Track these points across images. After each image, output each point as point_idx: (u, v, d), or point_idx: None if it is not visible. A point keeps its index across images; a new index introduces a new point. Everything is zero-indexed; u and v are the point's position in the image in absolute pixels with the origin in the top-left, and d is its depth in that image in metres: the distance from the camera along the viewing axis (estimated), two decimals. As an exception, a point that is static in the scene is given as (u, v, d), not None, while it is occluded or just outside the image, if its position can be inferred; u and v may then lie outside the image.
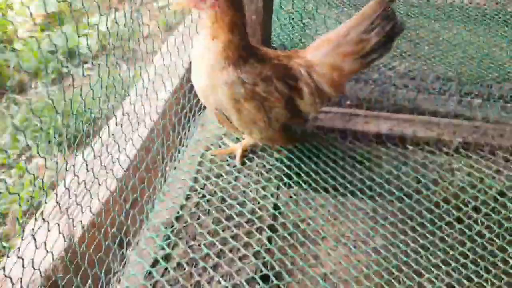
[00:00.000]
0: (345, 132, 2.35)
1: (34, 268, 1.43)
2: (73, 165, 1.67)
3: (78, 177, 1.68)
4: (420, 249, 1.77)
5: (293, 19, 3.24)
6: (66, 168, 1.61)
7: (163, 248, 1.68)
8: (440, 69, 2.89)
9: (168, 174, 2.03)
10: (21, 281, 1.38)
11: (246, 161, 2.10)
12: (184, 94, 2.32)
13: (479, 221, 1.91)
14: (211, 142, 2.21)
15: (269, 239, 1.76)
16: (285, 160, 2.11)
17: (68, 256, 1.61)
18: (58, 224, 1.54)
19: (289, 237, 1.77)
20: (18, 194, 3.02)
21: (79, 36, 1.62)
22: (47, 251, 1.50)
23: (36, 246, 1.40)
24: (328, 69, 1.90)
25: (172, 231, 1.74)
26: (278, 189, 1.99)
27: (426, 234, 1.83)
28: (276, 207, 1.90)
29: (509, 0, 3.66)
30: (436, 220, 1.90)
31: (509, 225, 1.87)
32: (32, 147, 3.78)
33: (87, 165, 1.69)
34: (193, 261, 1.65)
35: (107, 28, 1.65)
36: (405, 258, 1.72)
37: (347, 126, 2.37)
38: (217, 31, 1.73)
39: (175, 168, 2.07)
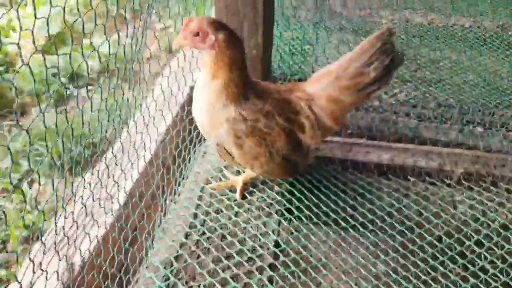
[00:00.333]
0: (346, 162, 2.35)
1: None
2: (72, 198, 1.66)
3: (73, 214, 1.67)
4: (422, 286, 1.75)
5: (293, 45, 3.25)
6: (63, 206, 1.60)
7: (162, 289, 1.66)
8: (441, 95, 2.88)
9: (168, 209, 2.02)
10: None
11: (247, 195, 2.09)
12: (185, 127, 2.32)
13: (482, 256, 1.89)
14: (211, 174, 2.20)
15: (270, 279, 1.74)
16: (286, 194, 2.10)
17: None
18: (57, 272, 1.52)
19: (290, 276, 1.75)
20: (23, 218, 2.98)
21: (80, 52, 1.60)
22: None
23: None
24: (328, 102, 1.90)
25: (171, 271, 1.73)
26: (279, 224, 1.97)
27: (428, 269, 1.81)
28: (277, 244, 1.88)
29: (510, 24, 3.66)
30: (438, 255, 1.88)
31: (513, 260, 1.85)
32: (34, 171, 3.77)
33: (84, 206, 1.68)
34: (193, 302, 1.64)
35: (109, 50, 1.65)
36: (407, 295, 1.70)
37: (347, 156, 2.37)
38: (218, 71, 1.75)
39: (175, 202, 2.06)
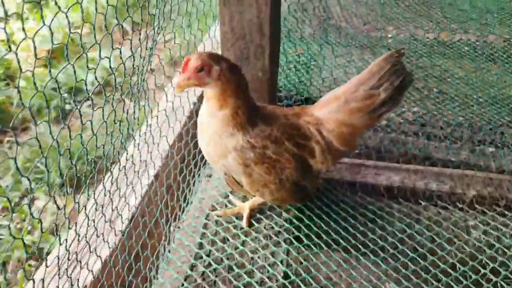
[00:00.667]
0: (355, 185, 2.28)
1: None
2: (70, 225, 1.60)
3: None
4: (437, 318, 1.68)
5: (298, 62, 3.20)
6: (69, 227, 1.54)
7: (167, 326, 1.60)
8: (450, 114, 2.82)
9: (172, 238, 1.96)
10: None
11: (254, 222, 2.02)
12: (189, 151, 2.26)
13: (498, 285, 1.82)
14: (217, 200, 2.14)
15: (279, 315, 1.68)
16: (294, 221, 2.04)
17: None
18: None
19: (300, 311, 1.69)
20: (23, 240, 2.92)
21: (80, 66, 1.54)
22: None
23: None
24: (338, 126, 1.85)
25: (177, 307, 1.66)
26: (287, 254, 1.90)
27: (443, 300, 1.75)
28: (286, 275, 1.81)
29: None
30: (453, 284, 1.81)
31: (531, 291, 1.79)
32: (34, 189, 3.73)
33: (78, 236, 1.61)
34: None
35: (110, 65, 1.59)
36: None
37: (356, 178, 2.31)
38: (225, 101, 1.70)
39: (179, 230, 1.99)
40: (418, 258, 1.91)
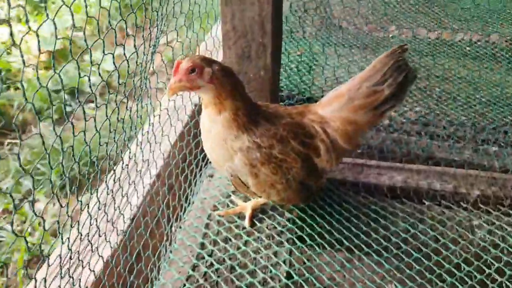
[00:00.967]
0: (357, 185, 2.27)
1: None
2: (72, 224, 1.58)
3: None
4: (442, 318, 1.66)
5: (300, 62, 3.18)
6: (71, 225, 1.52)
7: (169, 326, 1.58)
8: (452, 113, 2.80)
9: (173, 238, 1.94)
10: None
11: (256, 222, 2.00)
12: (191, 150, 2.25)
13: (503, 285, 1.80)
14: (218, 200, 2.12)
15: (283, 315, 1.65)
16: (297, 220, 2.02)
17: None
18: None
19: (303, 311, 1.67)
20: (25, 239, 2.91)
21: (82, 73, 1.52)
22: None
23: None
24: (342, 124, 1.84)
25: (178, 307, 1.64)
26: (290, 254, 1.88)
27: (448, 300, 1.73)
28: (289, 275, 1.79)
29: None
30: (457, 284, 1.79)
31: (537, 291, 1.76)
32: (35, 191, 3.70)
33: (81, 235, 1.60)
34: None
35: (116, 66, 1.58)
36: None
37: (359, 178, 2.29)
38: (222, 104, 1.68)
39: (181, 231, 1.97)
40: (422, 258, 1.89)
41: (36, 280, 1.29)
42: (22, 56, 1.03)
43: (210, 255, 1.85)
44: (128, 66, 1.61)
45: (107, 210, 1.79)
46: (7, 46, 5.30)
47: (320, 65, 3.18)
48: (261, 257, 1.85)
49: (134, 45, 1.59)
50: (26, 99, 1.07)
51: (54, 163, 1.41)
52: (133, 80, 1.86)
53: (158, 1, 1.92)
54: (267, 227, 1.98)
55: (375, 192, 2.25)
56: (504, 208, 2.16)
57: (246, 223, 1.98)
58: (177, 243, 1.91)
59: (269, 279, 1.76)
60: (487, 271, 1.84)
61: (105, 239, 1.74)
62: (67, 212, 1.40)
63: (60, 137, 1.31)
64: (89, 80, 1.45)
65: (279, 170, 1.79)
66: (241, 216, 2.03)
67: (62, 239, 1.45)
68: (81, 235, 1.58)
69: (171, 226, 2.00)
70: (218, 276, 1.76)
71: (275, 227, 1.99)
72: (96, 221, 1.70)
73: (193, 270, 1.79)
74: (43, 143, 1.21)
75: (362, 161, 2.39)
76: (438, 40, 3.60)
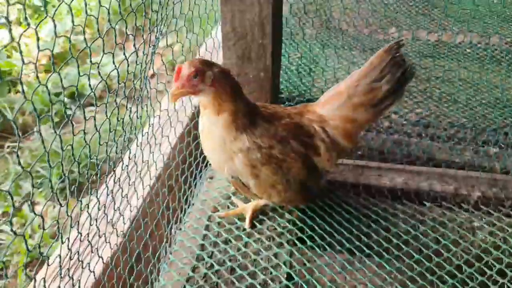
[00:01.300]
0: (358, 186, 2.26)
1: None
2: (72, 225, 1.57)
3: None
4: (444, 320, 1.65)
5: (300, 65, 3.18)
6: (71, 225, 1.51)
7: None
8: (453, 114, 2.80)
9: (173, 239, 1.93)
10: None
11: (256, 223, 2.00)
12: (191, 152, 2.24)
13: (505, 286, 1.79)
14: (219, 202, 2.11)
15: (283, 316, 1.64)
16: (298, 222, 2.01)
17: None
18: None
19: (304, 313, 1.66)
20: (25, 238, 2.89)
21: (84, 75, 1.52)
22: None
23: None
24: (342, 122, 1.84)
25: (178, 309, 1.63)
26: (291, 255, 1.87)
27: (450, 302, 1.72)
28: (289, 277, 1.78)
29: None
30: (459, 286, 1.78)
31: (539, 292, 1.75)
32: (35, 193, 3.70)
33: (80, 235, 1.59)
34: None
35: (115, 66, 1.57)
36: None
37: (359, 180, 2.28)
38: (222, 105, 1.68)
39: (180, 232, 1.96)
40: (423, 260, 1.88)
41: (35, 281, 1.28)
42: (21, 54, 1.02)
43: (210, 257, 1.84)
44: (128, 66, 1.61)
45: (107, 211, 1.78)
46: (6, 46, 5.29)
47: (320, 67, 3.18)
48: (262, 259, 1.84)
49: (134, 45, 1.59)
50: (25, 97, 1.07)
51: (54, 164, 1.41)
52: (133, 82, 1.86)
53: (157, 3, 1.91)
54: (267, 229, 1.98)
55: (375, 194, 2.24)
56: (505, 209, 2.15)
57: (247, 224, 1.98)
58: (177, 244, 1.90)
59: (269, 281, 1.75)
60: (489, 272, 1.83)
61: (105, 240, 1.74)
62: (66, 212, 1.39)
63: (60, 137, 1.30)
64: (89, 79, 1.44)
65: (280, 170, 1.78)
66: (241, 218, 2.02)
67: (61, 239, 1.45)
68: (81, 235, 1.57)
69: (171, 228, 2.00)
70: (218, 278, 1.75)
71: (275, 229, 1.98)
72: (96, 221, 1.70)
73: (193, 271, 1.78)
74: (43, 142, 1.21)
75: (363, 162, 2.39)
76: (438, 42, 3.60)
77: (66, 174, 1.46)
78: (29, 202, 2.69)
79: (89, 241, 1.61)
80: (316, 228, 1.99)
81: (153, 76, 3.78)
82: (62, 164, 1.30)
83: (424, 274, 1.81)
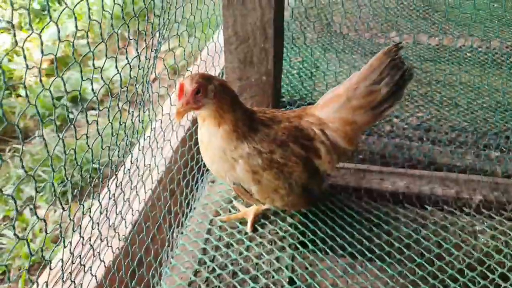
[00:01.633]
0: (360, 190, 2.26)
1: None
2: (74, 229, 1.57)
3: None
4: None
5: (301, 69, 3.19)
6: (73, 229, 1.51)
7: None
8: (454, 118, 2.80)
9: (175, 243, 1.93)
10: None
11: (258, 227, 2.00)
12: (193, 156, 2.24)
13: (507, 290, 1.79)
14: (220, 206, 2.11)
15: (285, 320, 1.64)
16: (299, 226, 2.01)
17: None
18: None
19: (306, 317, 1.65)
20: (27, 241, 2.89)
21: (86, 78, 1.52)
22: None
23: None
24: (341, 125, 1.85)
25: (180, 313, 1.63)
26: (293, 259, 1.87)
27: (452, 306, 1.71)
28: (291, 281, 1.78)
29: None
30: (461, 290, 1.78)
31: (541, 296, 1.75)
32: (36, 198, 3.70)
33: (83, 239, 1.59)
34: None
35: (118, 71, 1.57)
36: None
37: (361, 184, 2.28)
38: (222, 117, 1.69)
39: (182, 236, 1.96)
40: (425, 264, 1.88)
41: (38, 284, 1.28)
42: (25, 58, 1.03)
43: (212, 261, 1.84)
44: (130, 70, 1.61)
45: (109, 215, 1.78)
46: (8, 51, 5.30)
47: (321, 71, 3.19)
48: (263, 263, 1.84)
49: (136, 49, 1.60)
50: (29, 101, 1.07)
51: (56, 169, 1.41)
52: (135, 85, 1.87)
53: (159, 8, 1.92)
54: (269, 232, 1.98)
55: (377, 198, 2.24)
56: (506, 213, 2.15)
57: (248, 228, 1.98)
58: (178, 248, 1.90)
59: (271, 285, 1.75)
60: (491, 276, 1.83)
61: (107, 244, 1.74)
62: (69, 216, 1.39)
63: (63, 140, 1.31)
64: (92, 83, 1.44)
65: (281, 174, 1.79)
66: (243, 222, 2.02)
67: (64, 243, 1.45)
68: (83, 239, 1.57)
69: (172, 232, 2.00)
70: (220, 282, 1.75)
71: (277, 233, 1.98)
72: (98, 225, 1.70)
73: (195, 275, 1.78)
74: (46, 146, 1.21)
75: (364, 166, 2.39)
76: (439, 46, 3.60)
77: (69, 178, 1.46)
78: (32, 206, 2.70)
79: (91, 245, 1.61)
80: (318, 232, 1.99)
81: (155, 80, 3.79)
82: (64, 169, 1.30)
83: (426, 278, 1.81)
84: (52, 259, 1.86)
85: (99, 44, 1.41)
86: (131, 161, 1.98)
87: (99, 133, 1.47)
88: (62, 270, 1.42)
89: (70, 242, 1.48)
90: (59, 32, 1.20)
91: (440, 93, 3.04)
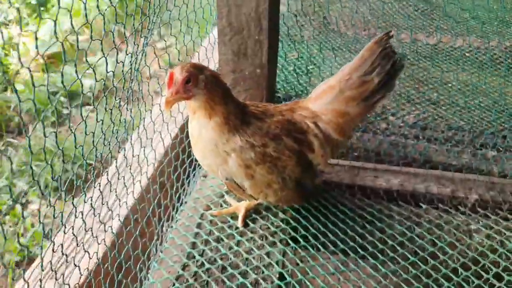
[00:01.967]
0: (354, 187, 2.23)
1: None
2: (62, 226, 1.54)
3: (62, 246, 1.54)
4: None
5: (297, 65, 3.16)
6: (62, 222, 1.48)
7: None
8: (451, 117, 2.77)
9: (164, 237, 1.89)
10: None
11: (249, 222, 1.96)
12: (184, 149, 2.20)
13: (502, 290, 1.75)
14: (212, 200, 2.07)
15: (274, 317, 1.60)
16: (291, 221, 1.97)
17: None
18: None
19: (296, 313, 1.62)
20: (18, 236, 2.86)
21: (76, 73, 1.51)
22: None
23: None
24: (334, 116, 1.83)
25: (167, 307, 1.59)
26: (283, 255, 1.84)
27: (445, 305, 1.68)
28: (282, 277, 1.74)
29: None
30: (455, 290, 1.74)
31: (535, 296, 1.72)
32: (29, 192, 3.67)
33: (74, 233, 1.55)
34: None
35: (113, 69, 1.55)
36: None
37: (355, 181, 2.25)
38: (213, 109, 1.65)
39: (172, 230, 1.93)
40: (418, 262, 1.84)
41: (25, 278, 1.25)
42: (19, 57, 0.99)
43: (201, 255, 1.80)
44: (127, 63, 1.59)
45: (98, 209, 1.75)
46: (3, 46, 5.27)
47: (317, 67, 3.15)
48: (254, 258, 1.80)
49: (128, 49, 1.57)
50: (19, 99, 1.04)
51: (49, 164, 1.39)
52: (130, 78, 1.84)
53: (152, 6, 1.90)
54: (260, 228, 1.94)
55: (371, 195, 2.21)
56: (502, 212, 2.12)
57: (239, 223, 1.94)
58: (168, 242, 1.86)
59: (261, 280, 1.71)
60: (485, 276, 1.80)
61: (92, 235, 1.70)
62: (53, 212, 1.36)
63: (56, 135, 1.28)
64: (80, 80, 1.41)
65: (275, 169, 1.75)
66: (234, 216, 1.98)
67: (51, 237, 1.42)
68: (69, 233, 1.54)
69: (162, 225, 1.96)
70: (209, 276, 1.71)
71: (268, 228, 1.94)
72: (83, 220, 1.66)
73: (183, 269, 1.74)
74: (45, 135, 1.18)
75: (359, 164, 2.36)
76: (437, 45, 3.58)
77: (60, 172, 1.43)
78: (22, 202, 2.66)
79: (76, 238, 1.57)
80: (310, 228, 1.95)
81: (149, 79, 3.75)
82: (63, 162, 1.27)
83: (419, 277, 1.78)
84: (41, 254, 1.82)
85: (92, 41, 1.38)
86: (124, 156, 1.95)
87: (86, 128, 1.44)
88: (51, 263, 1.39)
89: (53, 251, 1.44)
90: (55, 26, 1.17)
91: (437, 92, 3.01)
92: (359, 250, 1.88)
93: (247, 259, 1.80)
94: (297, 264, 1.80)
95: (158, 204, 1.95)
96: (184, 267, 1.75)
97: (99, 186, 1.81)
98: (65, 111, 4.60)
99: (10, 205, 3.55)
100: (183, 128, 2.33)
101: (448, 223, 2.05)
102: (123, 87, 1.90)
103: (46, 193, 3.32)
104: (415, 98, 2.95)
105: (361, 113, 1.86)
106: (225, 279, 1.70)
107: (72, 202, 1.61)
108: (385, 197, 2.20)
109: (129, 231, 1.83)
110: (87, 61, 1.42)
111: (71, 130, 1.40)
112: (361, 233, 1.96)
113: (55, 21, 1.21)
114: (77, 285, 1.61)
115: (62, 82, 1.30)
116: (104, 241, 1.73)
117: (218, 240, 1.87)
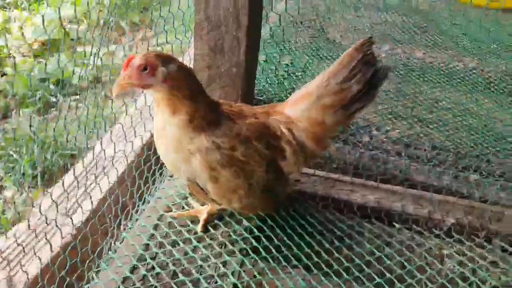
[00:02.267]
0: (327, 200, 2.13)
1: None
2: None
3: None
4: None
5: (285, 71, 3.08)
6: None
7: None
8: (436, 137, 2.68)
9: (119, 237, 1.79)
10: None
11: (210, 228, 1.86)
12: (150, 146, 2.11)
13: (469, 321, 1.65)
14: (174, 201, 1.98)
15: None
16: (255, 230, 1.87)
17: None
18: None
19: (245, 330, 1.51)
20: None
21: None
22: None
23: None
24: (310, 124, 1.72)
25: (107, 311, 1.49)
26: (241, 265, 1.73)
27: (406, 334, 1.58)
28: (235, 289, 1.64)
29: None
30: (419, 317, 1.64)
31: (503, 331, 1.62)
32: (4, 178, 3.57)
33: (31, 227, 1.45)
34: None
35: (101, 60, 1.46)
36: None
37: (330, 193, 2.16)
38: (177, 104, 1.55)
39: (128, 230, 1.83)
40: (384, 284, 1.74)
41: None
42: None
43: (153, 258, 1.70)
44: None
45: (64, 203, 1.67)
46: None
47: (304, 75, 3.08)
48: (209, 266, 1.70)
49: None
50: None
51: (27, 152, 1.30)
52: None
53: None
54: (221, 234, 1.84)
55: (344, 209, 2.11)
56: (478, 239, 2.02)
57: (199, 228, 1.84)
58: (120, 242, 1.76)
59: (212, 291, 1.61)
60: (453, 305, 1.70)
61: (45, 238, 1.61)
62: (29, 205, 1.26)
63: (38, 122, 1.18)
64: (73, 69, 1.32)
65: (241, 173, 1.65)
66: (195, 220, 1.88)
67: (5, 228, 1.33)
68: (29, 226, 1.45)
69: (118, 224, 1.86)
70: (158, 281, 1.61)
71: (229, 235, 1.84)
72: (41, 212, 1.57)
73: (132, 272, 1.64)
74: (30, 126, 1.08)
75: (336, 176, 2.26)
76: (431, 62, 3.50)
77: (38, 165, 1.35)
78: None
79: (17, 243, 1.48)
80: (274, 239, 1.85)
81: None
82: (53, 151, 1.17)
83: (383, 300, 1.68)
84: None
85: (86, 32, 1.30)
86: (102, 147, 1.86)
87: (64, 125, 1.35)
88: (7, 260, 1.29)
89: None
90: (59, 12, 1.07)
91: (425, 110, 2.93)
92: (323, 266, 1.78)
93: (201, 266, 1.70)
94: (254, 277, 1.70)
95: (115, 201, 1.85)
96: (133, 269, 1.65)
97: (63, 185, 1.72)
98: (53, 99, 4.52)
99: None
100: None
101: (420, 246, 1.95)
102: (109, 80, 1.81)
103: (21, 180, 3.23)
104: (401, 113, 2.86)
105: (338, 123, 1.75)
106: (174, 286, 1.60)
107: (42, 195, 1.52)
108: (359, 213, 2.11)
109: (89, 227, 1.73)
110: (84, 53, 1.33)
111: (57, 121, 1.30)
112: (328, 249, 1.86)
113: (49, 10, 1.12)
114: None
115: (62, 73, 1.21)
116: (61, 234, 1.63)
117: (174, 244, 1.77)
